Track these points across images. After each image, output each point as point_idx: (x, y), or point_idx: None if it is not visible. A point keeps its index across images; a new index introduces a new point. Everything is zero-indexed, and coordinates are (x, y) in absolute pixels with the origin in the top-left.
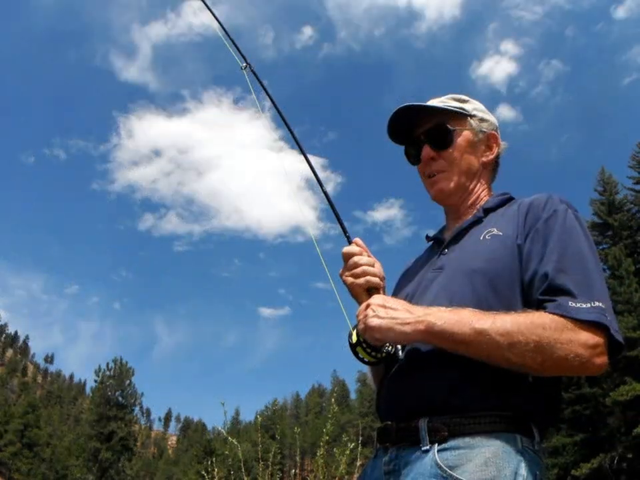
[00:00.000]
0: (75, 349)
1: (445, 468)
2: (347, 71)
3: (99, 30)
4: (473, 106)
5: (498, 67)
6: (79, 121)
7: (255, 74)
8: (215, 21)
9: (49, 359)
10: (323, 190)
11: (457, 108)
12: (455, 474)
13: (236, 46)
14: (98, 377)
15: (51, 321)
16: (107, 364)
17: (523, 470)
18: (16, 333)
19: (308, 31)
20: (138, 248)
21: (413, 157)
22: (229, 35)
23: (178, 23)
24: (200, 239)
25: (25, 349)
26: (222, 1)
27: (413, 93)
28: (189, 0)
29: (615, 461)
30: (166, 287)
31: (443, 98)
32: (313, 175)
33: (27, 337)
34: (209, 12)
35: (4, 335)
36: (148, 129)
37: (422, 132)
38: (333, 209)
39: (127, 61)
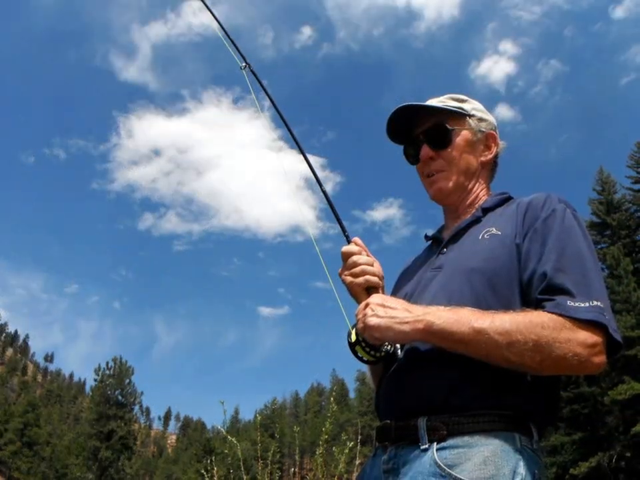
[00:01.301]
0: (74, 348)
1: (443, 467)
2: (346, 70)
3: (99, 30)
4: (472, 106)
5: (497, 67)
6: (79, 121)
7: (254, 74)
8: (215, 21)
9: (49, 358)
10: (322, 189)
11: (456, 108)
12: (453, 472)
13: (235, 46)
14: (98, 375)
15: (50, 320)
16: (107, 363)
17: (522, 469)
18: (16, 332)
19: (307, 30)
20: (138, 247)
21: (412, 157)
22: (228, 35)
23: (178, 23)
24: (199, 239)
25: (24, 348)
26: (222, 1)
27: (412, 93)
28: (188, 0)
29: (614, 460)
30: (166, 287)
31: (441, 98)
32: (312, 174)
33: (26, 336)
34: (208, 12)
35: (4, 334)
36: (148, 129)
37: (421, 132)
38: (332, 209)
39: (127, 61)
